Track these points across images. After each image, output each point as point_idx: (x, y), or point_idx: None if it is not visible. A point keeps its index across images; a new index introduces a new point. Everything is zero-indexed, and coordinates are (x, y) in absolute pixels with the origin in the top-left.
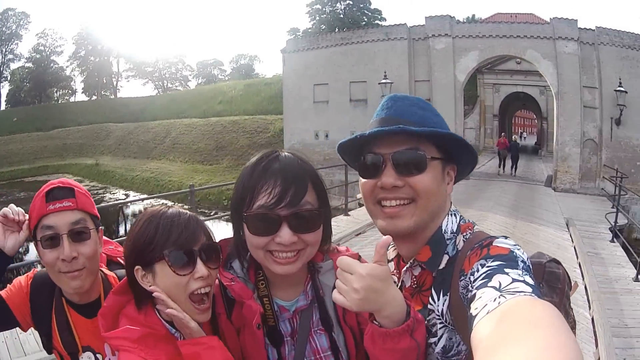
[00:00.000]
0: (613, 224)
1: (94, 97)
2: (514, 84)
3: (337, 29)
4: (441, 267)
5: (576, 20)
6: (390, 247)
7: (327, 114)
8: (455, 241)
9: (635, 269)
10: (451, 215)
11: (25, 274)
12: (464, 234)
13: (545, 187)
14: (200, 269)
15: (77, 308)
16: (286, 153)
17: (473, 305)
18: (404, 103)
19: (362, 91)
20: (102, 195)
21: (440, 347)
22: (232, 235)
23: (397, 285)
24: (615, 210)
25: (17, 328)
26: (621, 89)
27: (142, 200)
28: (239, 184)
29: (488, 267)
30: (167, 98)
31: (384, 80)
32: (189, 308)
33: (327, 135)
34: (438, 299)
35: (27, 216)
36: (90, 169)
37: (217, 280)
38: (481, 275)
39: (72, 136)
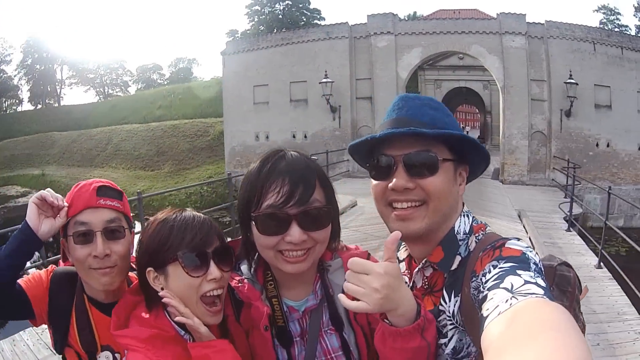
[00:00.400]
0: (567, 213)
1: (40, 106)
2: (456, 79)
3: (276, 30)
4: (453, 267)
5: (524, 14)
6: (401, 247)
7: (268, 115)
8: (467, 242)
9: (597, 256)
10: (464, 216)
11: (45, 269)
12: (477, 235)
13: (492, 180)
14: (214, 271)
15: (99, 307)
16: (292, 152)
17: (484, 306)
18: (415, 103)
19: (302, 91)
20: None
21: (450, 348)
22: (238, 238)
23: (409, 286)
24: (568, 200)
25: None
26: (572, 81)
27: None
28: (245, 185)
29: (500, 268)
30: (108, 104)
31: (324, 80)
32: (200, 310)
33: (267, 137)
34: (449, 300)
35: (66, 203)
36: (37, 180)
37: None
38: (493, 276)
39: (19, 147)
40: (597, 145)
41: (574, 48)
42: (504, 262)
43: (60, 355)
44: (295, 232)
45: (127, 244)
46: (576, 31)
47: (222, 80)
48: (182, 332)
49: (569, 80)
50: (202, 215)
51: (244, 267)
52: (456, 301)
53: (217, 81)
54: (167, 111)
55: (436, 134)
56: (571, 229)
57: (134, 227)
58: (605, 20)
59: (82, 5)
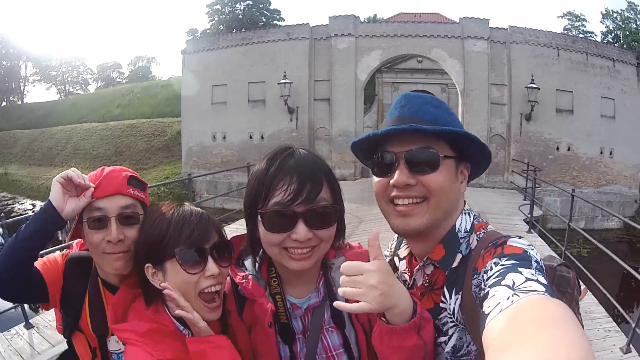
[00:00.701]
0: (527, 215)
1: (4, 103)
2: (414, 82)
3: (235, 30)
4: (454, 265)
5: (488, 19)
6: (402, 245)
7: (225, 115)
8: (468, 240)
9: (559, 257)
10: (465, 214)
11: (60, 253)
12: (478, 233)
13: None
14: (211, 267)
15: (112, 290)
16: (300, 149)
17: (486, 304)
18: (417, 101)
19: (260, 92)
20: (11, 206)
21: (450, 346)
22: (243, 233)
23: (409, 284)
24: (527, 202)
25: None
26: (533, 85)
27: None
28: (253, 181)
29: (502, 265)
30: (68, 103)
31: (283, 80)
32: (198, 306)
33: (224, 137)
34: (450, 298)
35: (92, 184)
36: (0, 179)
37: (228, 278)
38: (494, 273)
39: None
40: (557, 148)
41: (537, 53)
42: (506, 260)
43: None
44: (301, 230)
45: None
46: (540, 37)
47: (182, 79)
48: (181, 327)
49: (530, 85)
50: (200, 210)
51: (247, 263)
52: (457, 299)
53: (175, 80)
54: (126, 110)
55: (437, 131)
56: (532, 230)
57: None
58: (569, 26)
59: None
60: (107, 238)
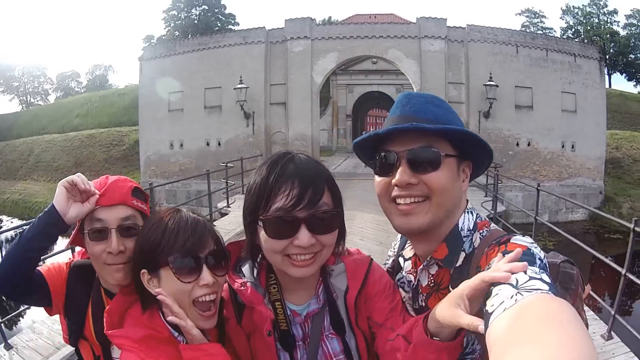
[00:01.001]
0: (490, 211)
1: None
2: (369, 83)
3: (190, 35)
4: (458, 264)
5: (445, 19)
6: (407, 246)
7: (182, 123)
8: (472, 238)
9: None
10: (468, 212)
11: (65, 261)
12: (481, 231)
13: None
14: (206, 276)
15: None
16: (300, 155)
17: (489, 302)
18: (418, 101)
19: (217, 97)
20: None
21: None
22: (239, 239)
23: (414, 284)
24: (489, 198)
25: None
26: (491, 83)
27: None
28: (254, 188)
29: None
30: (30, 114)
31: (239, 85)
32: (193, 314)
33: (182, 145)
34: None
35: (96, 191)
36: None
37: (226, 285)
38: None
39: None
40: (517, 144)
41: (496, 51)
42: None
43: (74, 348)
44: (304, 236)
45: None
46: (499, 34)
47: (139, 86)
48: (176, 334)
49: (488, 83)
50: (197, 216)
51: (245, 270)
52: None
53: (131, 88)
54: (85, 120)
55: (439, 129)
56: (496, 225)
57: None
58: (528, 23)
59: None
60: (108, 249)
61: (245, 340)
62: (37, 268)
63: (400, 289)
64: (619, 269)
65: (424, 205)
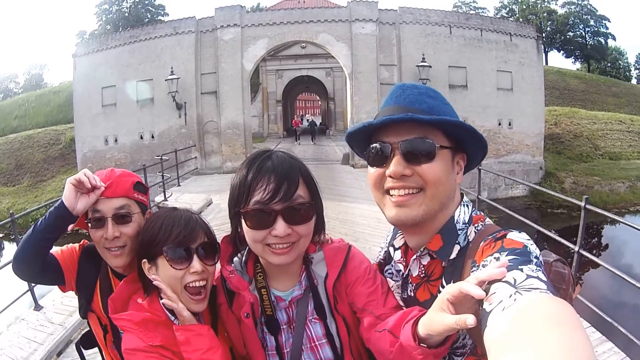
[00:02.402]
0: None
1: None
2: (298, 68)
3: (121, 28)
4: (452, 257)
5: (377, 2)
6: (398, 235)
7: (116, 117)
8: (466, 232)
9: None
10: (464, 206)
11: (78, 244)
12: (476, 225)
13: (343, 165)
14: (195, 264)
15: (120, 277)
16: (278, 152)
17: (487, 300)
18: (412, 92)
19: (149, 90)
20: None
21: None
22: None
23: (404, 274)
24: None
25: None
26: (424, 64)
27: None
28: (235, 183)
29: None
30: None
31: (170, 77)
32: (185, 298)
33: (116, 140)
34: None
35: (102, 184)
36: None
37: (219, 273)
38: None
39: None
40: None
41: (428, 32)
42: (506, 254)
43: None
44: (280, 227)
45: (137, 225)
46: (432, 16)
47: (73, 83)
48: (172, 317)
49: (421, 64)
50: (190, 213)
51: (235, 260)
52: None
53: (66, 85)
54: (23, 121)
55: (433, 120)
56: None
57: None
58: (460, 3)
59: None
60: (105, 235)
61: (237, 323)
62: (51, 252)
63: (389, 279)
64: (571, 246)
65: (418, 197)
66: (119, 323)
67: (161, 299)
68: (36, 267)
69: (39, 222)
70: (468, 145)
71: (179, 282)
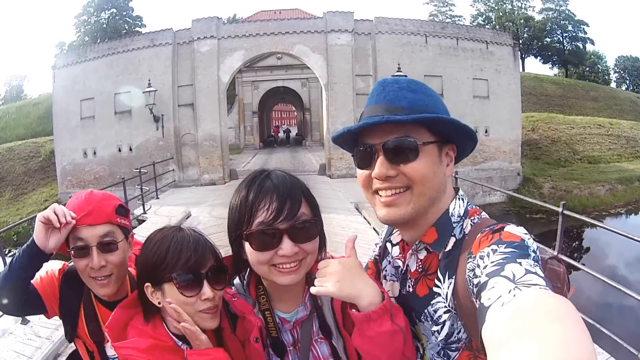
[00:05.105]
0: None
1: None
2: (274, 79)
3: (99, 40)
4: (448, 249)
5: (352, 12)
6: (395, 231)
7: (94, 130)
8: (462, 225)
9: None
10: (459, 199)
11: (58, 267)
12: (472, 218)
13: (320, 176)
14: (207, 291)
15: (104, 303)
16: (276, 171)
17: (485, 295)
18: (393, 88)
19: (127, 102)
20: None
21: (443, 335)
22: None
23: (402, 270)
24: None
25: None
26: (399, 73)
27: None
28: (235, 206)
29: (501, 253)
30: None
31: (147, 89)
32: (199, 315)
33: (95, 153)
34: (443, 282)
35: (72, 220)
36: None
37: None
38: (492, 262)
39: None
40: None
41: (404, 42)
42: (504, 247)
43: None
44: (287, 246)
45: (122, 253)
46: (407, 25)
47: (52, 95)
48: (180, 343)
49: (396, 73)
50: (198, 234)
51: (236, 282)
52: (450, 283)
53: (45, 97)
54: (4, 133)
55: (411, 120)
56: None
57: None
58: (436, 11)
59: None
60: (91, 265)
61: (241, 347)
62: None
63: (383, 279)
64: (550, 251)
65: (405, 195)
66: (122, 352)
67: (165, 323)
68: (16, 304)
69: (15, 259)
70: (454, 136)
71: (191, 307)
